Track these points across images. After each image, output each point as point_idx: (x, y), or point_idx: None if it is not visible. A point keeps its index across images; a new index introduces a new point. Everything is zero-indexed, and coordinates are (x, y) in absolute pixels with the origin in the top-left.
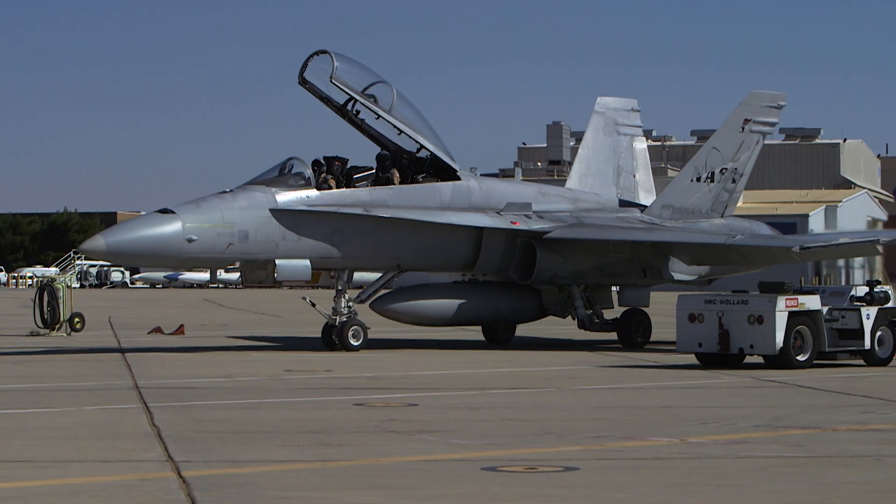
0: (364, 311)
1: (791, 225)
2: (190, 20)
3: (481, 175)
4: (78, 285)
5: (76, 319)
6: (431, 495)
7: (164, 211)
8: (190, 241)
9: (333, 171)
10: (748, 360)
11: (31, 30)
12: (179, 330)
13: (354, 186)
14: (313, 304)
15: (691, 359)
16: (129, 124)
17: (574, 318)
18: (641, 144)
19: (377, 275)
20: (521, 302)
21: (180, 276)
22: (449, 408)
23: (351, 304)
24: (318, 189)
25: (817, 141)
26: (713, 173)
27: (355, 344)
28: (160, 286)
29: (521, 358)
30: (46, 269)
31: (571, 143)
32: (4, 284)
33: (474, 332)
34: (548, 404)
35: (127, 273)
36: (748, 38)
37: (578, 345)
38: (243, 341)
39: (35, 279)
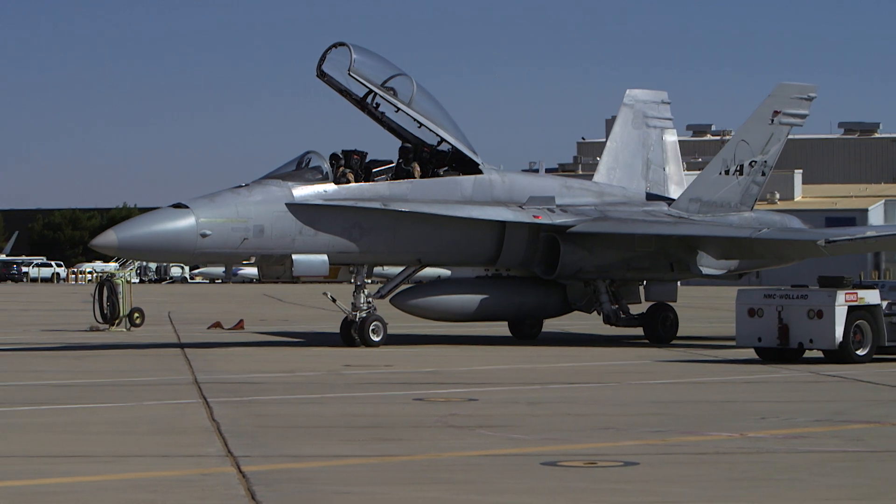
0: (383, 306)
1: (850, 219)
2: (223, 13)
3: (546, 169)
4: (137, 280)
5: (136, 314)
6: (491, 490)
7: (178, 205)
8: (204, 235)
9: (352, 164)
10: (807, 354)
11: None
12: (239, 325)
13: (373, 180)
14: (334, 300)
15: (751, 353)
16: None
17: (599, 314)
18: (672, 137)
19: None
20: (546, 297)
21: (240, 272)
22: (508, 402)
23: (370, 299)
24: (335, 183)
25: (876, 135)
26: (742, 166)
27: (376, 339)
28: (219, 281)
29: (581, 353)
30: (106, 264)
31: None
32: (64, 280)
33: (500, 328)
34: (607, 399)
35: (186, 268)
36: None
37: (604, 340)
38: (270, 336)
39: (95, 274)
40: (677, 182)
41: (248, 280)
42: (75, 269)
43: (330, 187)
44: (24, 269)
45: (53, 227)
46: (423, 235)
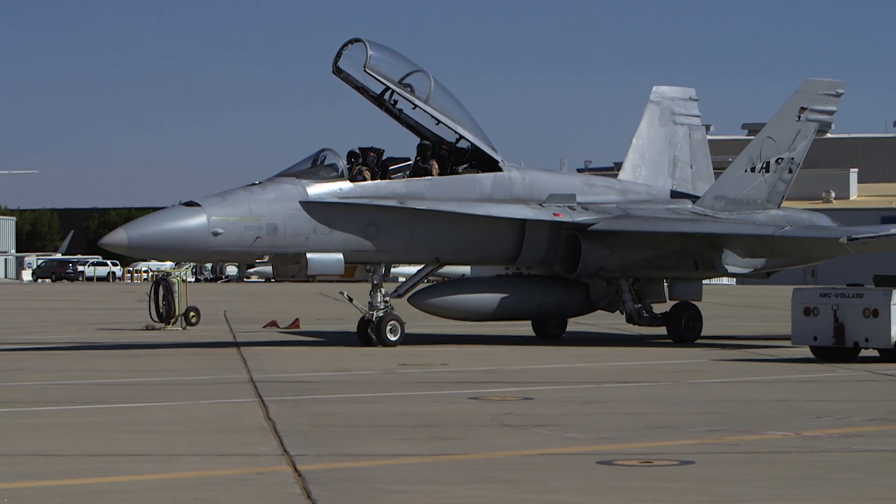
0: (400, 305)
1: None
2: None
3: (594, 169)
4: (193, 279)
5: (191, 313)
6: (546, 489)
7: (190, 204)
8: (215, 234)
9: (368, 162)
10: (863, 353)
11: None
12: (294, 324)
13: (390, 178)
14: (350, 299)
15: (806, 352)
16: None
17: (622, 313)
18: (699, 134)
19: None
20: (568, 296)
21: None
22: (564, 401)
23: (388, 298)
24: (351, 181)
25: None
26: (768, 163)
27: (393, 339)
28: (274, 280)
29: (635, 352)
30: (161, 263)
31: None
32: (120, 279)
33: (524, 327)
34: (663, 398)
35: (242, 267)
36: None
37: (627, 340)
38: (326, 335)
39: (150, 273)
40: (705, 180)
41: (305, 280)
42: (131, 268)
43: (345, 185)
44: (80, 268)
45: (109, 227)
46: (441, 234)
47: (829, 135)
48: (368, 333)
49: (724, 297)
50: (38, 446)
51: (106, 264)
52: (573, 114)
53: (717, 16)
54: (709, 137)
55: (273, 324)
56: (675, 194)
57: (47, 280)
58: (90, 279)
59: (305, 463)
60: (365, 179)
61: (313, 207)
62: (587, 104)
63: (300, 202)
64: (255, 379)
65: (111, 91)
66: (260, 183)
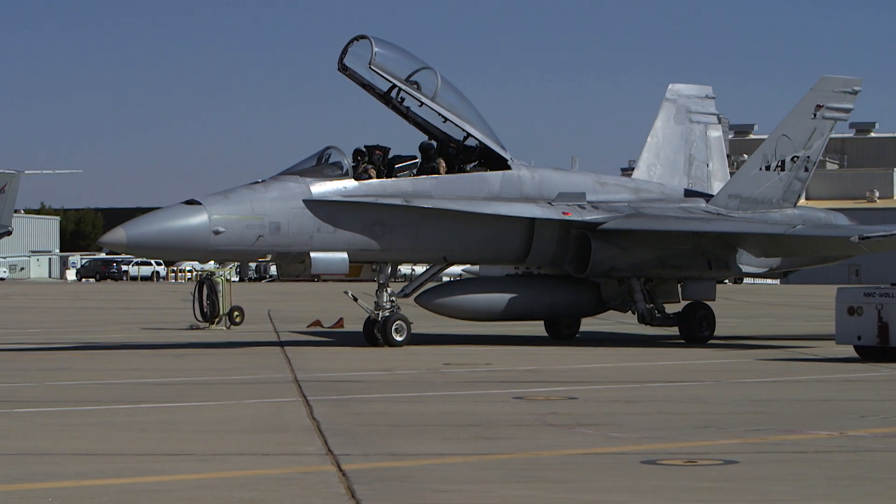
0: (407, 305)
1: None
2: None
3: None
4: (237, 279)
5: (235, 313)
6: (590, 488)
7: (191, 202)
8: (217, 233)
9: (374, 160)
10: None
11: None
12: (339, 323)
13: (396, 176)
14: (355, 298)
15: (850, 352)
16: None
17: (634, 313)
18: (716, 132)
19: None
20: (579, 296)
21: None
22: (608, 401)
23: (394, 298)
24: (356, 179)
25: None
26: (783, 161)
27: (399, 339)
28: (318, 279)
29: (679, 352)
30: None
31: (730, 136)
32: (164, 278)
33: (536, 328)
34: (707, 397)
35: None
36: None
37: (639, 340)
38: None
39: (194, 273)
40: (721, 178)
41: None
42: (175, 268)
43: (350, 183)
44: (124, 267)
45: None
46: (448, 233)
47: (872, 134)
48: (374, 333)
49: (765, 297)
50: (82, 446)
51: (150, 264)
52: (587, 113)
53: (737, 16)
54: (752, 137)
55: (317, 323)
56: (689, 193)
57: (91, 279)
58: (134, 279)
59: (350, 462)
60: (370, 178)
61: (317, 206)
62: (603, 103)
63: (304, 201)
64: (300, 378)
65: (154, 90)
66: (263, 181)
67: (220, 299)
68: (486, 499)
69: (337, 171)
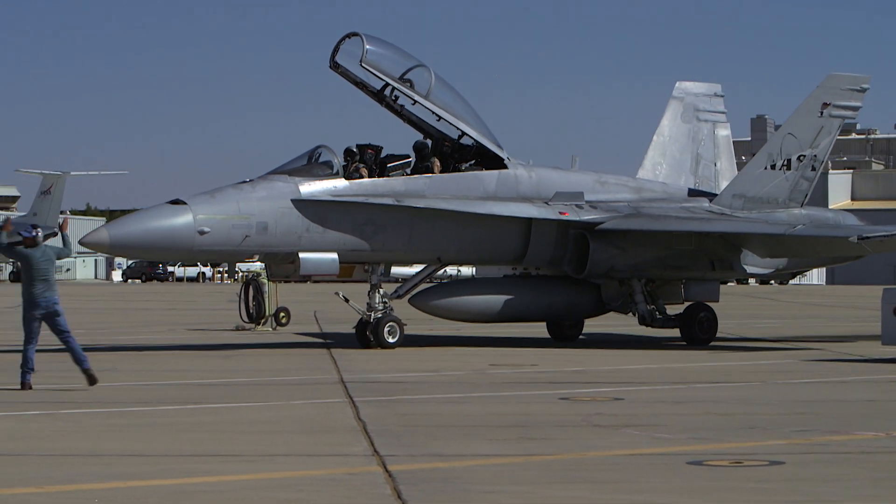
0: (400, 306)
1: None
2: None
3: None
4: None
5: (282, 314)
6: (636, 489)
7: (176, 202)
8: (202, 233)
9: (366, 159)
10: None
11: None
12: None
13: (388, 176)
14: (346, 300)
15: None
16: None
17: (635, 314)
18: (725, 131)
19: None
20: (578, 297)
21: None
22: (654, 402)
23: (386, 299)
24: (347, 178)
25: None
26: (789, 160)
27: (391, 341)
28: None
29: (725, 353)
30: (252, 263)
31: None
32: (210, 279)
33: (537, 329)
34: (752, 398)
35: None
36: None
37: (645, 342)
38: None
39: (240, 274)
40: (729, 178)
41: (395, 279)
42: (221, 269)
43: (340, 183)
44: (170, 268)
45: None
46: (442, 233)
47: None
48: (367, 335)
49: (810, 297)
50: (129, 447)
51: (195, 265)
52: (593, 112)
53: (747, 14)
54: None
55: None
56: (693, 192)
57: (137, 281)
58: (180, 279)
59: (396, 463)
60: (362, 177)
61: (306, 206)
62: (607, 102)
63: (292, 200)
64: (346, 379)
65: (197, 90)
66: (251, 181)
67: (267, 300)
68: (531, 499)
69: (327, 171)
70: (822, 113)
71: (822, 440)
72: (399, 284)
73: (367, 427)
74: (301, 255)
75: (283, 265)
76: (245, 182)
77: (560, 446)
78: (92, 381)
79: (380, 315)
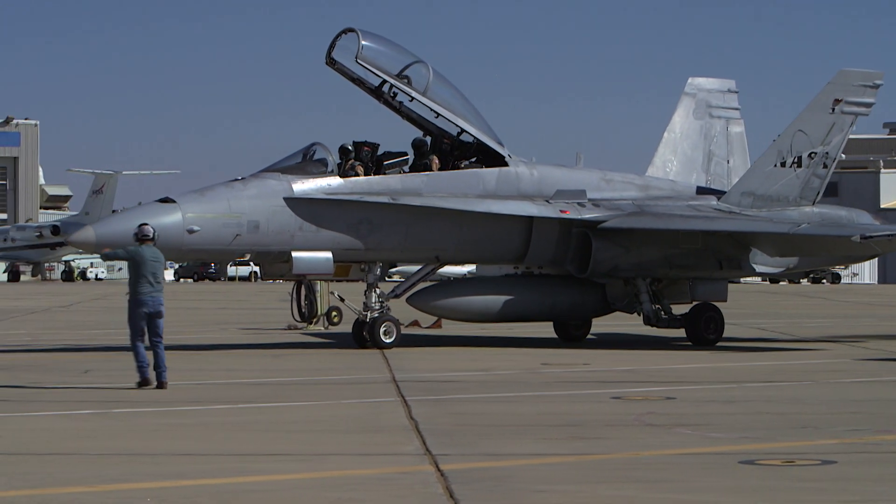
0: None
1: None
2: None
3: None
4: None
5: (333, 313)
6: (688, 489)
7: (165, 200)
8: (191, 231)
9: (362, 157)
10: None
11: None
12: (437, 323)
13: (385, 173)
14: (342, 299)
15: None
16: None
17: (640, 314)
18: (738, 128)
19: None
20: (582, 297)
21: (440, 270)
22: (706, 401)
23: (383, 299)
24: (342, 176)
25: None
26: (800, 158)
27: (387, 341)
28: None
29: (776, 353)
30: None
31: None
32: (262, 278)
33: (541, 329)
34: (804, 397)
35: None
36: None
37: (648, 342)
38: (465, 334)
39: None
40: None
41: (447, 278)
42: None
43: (334, 181)
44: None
45: None
46: (440, 231)
47: None
48: (363, 335)
49: (864, 297)
50: (181, 445)
51: (248, 263)
52: (602, 110)
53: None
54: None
55: (416, 323)
56: (702, 190)
57: (189, 280)
58: (232, 279)
59: (448, 462)
60: (357, 175)
61: (298, 204)
62: (619, 99)
63: (284, 199)
64: (398, 378)
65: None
66: (243, 179)
67: (318, 299)
68: (583, 499)
69: (321, 169)
70: (833, 109)
71: (874, 440)
72: (396, 284)
73: (419, 426)
74: (294, 254)
75: (277, 264)
76: (237, 180)
77: (612, 446)
78: (162, 387)
79: (376, 315)
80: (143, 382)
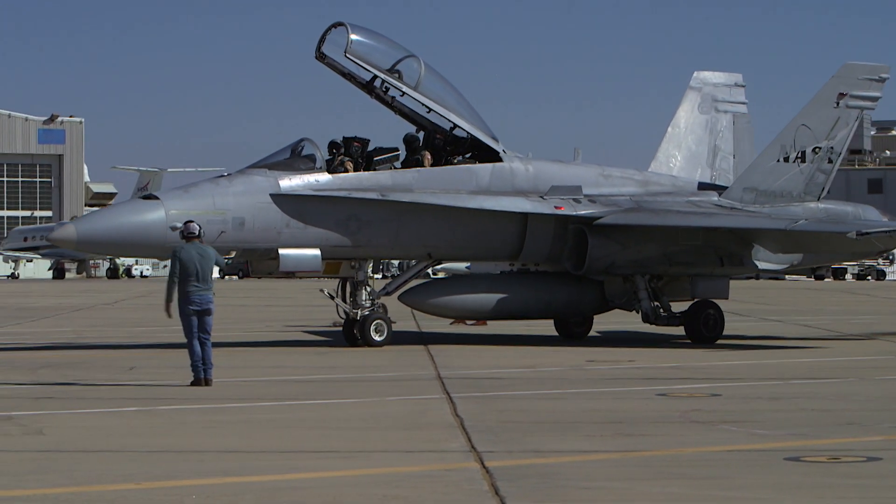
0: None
1: None
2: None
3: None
4: (380, 276)
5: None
6: (733, 486)
7: (148, 197)
8: (174, 229)
9: (352, 153)
10: None
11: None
12: (482, 320)
13: (374, 169)
14: (332, 297)
15: None
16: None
17: (638, 312)
18: (745, 122)
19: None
20: (580, 294)
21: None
22: (751, 398)
23: (374, 296)
24: (331, 172)
25: None
26: (804, 153)
27: (378, 339)
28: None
29: (820, 350)
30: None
31: (872, 132)
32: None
33: (541, 327)
34: (850, 394)
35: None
36: None
37: (649, 340)
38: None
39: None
40: None
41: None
42: None
43: (322, 177)
44: None
45: None
46: (431, 228)
47: None
48: (353, 333)
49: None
50: (226, 443)
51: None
52: (605, 105)
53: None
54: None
55: (461, 320)
56: (704, 186)
57: (234, 277)
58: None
59: (493, 459)
60: (346, 171)
61: (285, 201)
62: (623, 94)
63: (270, 195)
64: (443, 375)
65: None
66: (228, 175)
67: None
68: (628, 495)
69: (309, 164)
70: (838, 104)
71: None
72: (387, 282)
73: (464, 423)
74: (281, 251)
75: (264, 261)
76: (222, 176)
77: (657, 442)
78: (207, 385)
79: (367, 313)
80: (196, 382)
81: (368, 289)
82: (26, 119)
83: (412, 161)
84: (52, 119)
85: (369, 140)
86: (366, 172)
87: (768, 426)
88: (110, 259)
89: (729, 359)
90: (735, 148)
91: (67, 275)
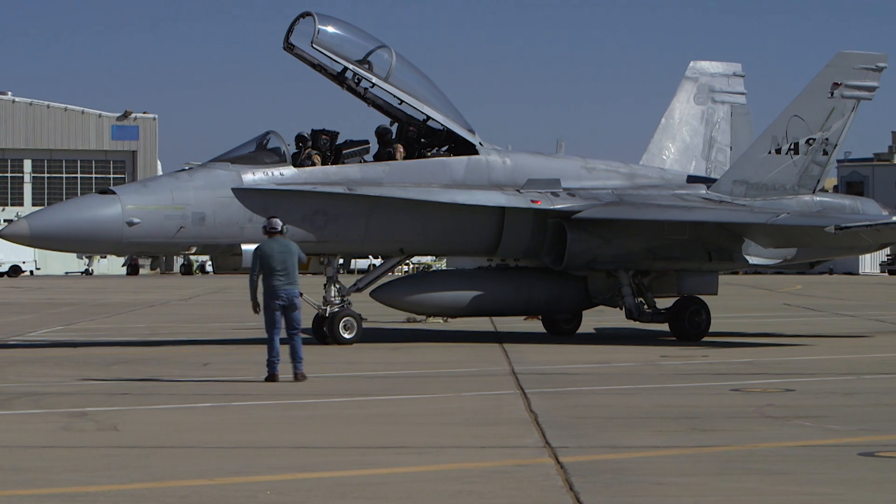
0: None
1: None
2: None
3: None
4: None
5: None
6: (807, 481)
7: (105, 191)
8: (131, 224)
9: (320, 146)
10: None
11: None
12: (534, 315)
13: (343, 163)
14: (301, 293)
15: None
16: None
17: (622, 308)
18: (743, 113)
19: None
20: (560, 290)
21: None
22: (825, 393)
23: (343, 293)
24: (297, 166)
25: None
26: (797, 144)
27: (347, 337)
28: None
29: (893, 343)
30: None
31: None
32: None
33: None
34: None
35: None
36: None
37: (634, 337)
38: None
39: (411, 266)
40: None
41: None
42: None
43: (287, 171)
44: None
45: None
46: (402, 223)
47: None
48: (322, 330)
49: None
50: (299, 438)
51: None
52: (597, 97)
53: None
54: None
55: (534, 316)
56: (693, 178)
57: (308, 273)
58: (351, 272)
59: (567, 455)
60: (314, 164)
61: (248, 195)
62: (616, 86)
63: (232, 189)
64: (517, 371)
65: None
66: (189, 168)
67: None
68: (701, 491)
69: (274, 158)
70: (832, 94)
71: None
72: (358, 278)
73: (538, 419)
74: (244, 246)
75: (228, 257)
76: (183, 170)
77: (730, 438)
78: (300, 379)
79: (336, 309)
80: (271, 378)
81: (338, 285)
82: (100, 115)
83: (384, 154)
84: (125, 115)
85: (338, 133)
86: (333, 166)
87: (842, 421)
88: (184, 255)
89: (803, 354)
90: (733, 140)
91: (141, 271)
